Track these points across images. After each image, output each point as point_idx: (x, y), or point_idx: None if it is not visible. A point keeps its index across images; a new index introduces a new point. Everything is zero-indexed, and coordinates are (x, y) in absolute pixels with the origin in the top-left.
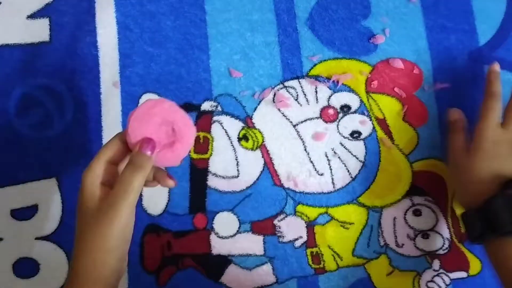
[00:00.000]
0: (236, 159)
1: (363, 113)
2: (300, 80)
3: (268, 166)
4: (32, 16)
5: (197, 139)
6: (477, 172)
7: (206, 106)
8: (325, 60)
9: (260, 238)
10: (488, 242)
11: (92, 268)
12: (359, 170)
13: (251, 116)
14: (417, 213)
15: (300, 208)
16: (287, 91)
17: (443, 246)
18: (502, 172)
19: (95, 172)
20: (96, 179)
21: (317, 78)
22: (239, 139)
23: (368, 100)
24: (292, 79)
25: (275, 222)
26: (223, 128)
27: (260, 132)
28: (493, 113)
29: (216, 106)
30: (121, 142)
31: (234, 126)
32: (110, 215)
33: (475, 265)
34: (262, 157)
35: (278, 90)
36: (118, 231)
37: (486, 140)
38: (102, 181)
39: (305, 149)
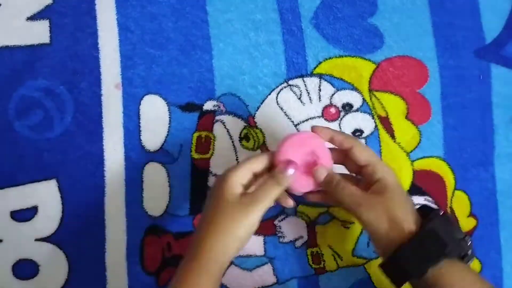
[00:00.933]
0: (237, 159)
1: (365, 112)
2: (304, 78)
3: None
4: (32, 17)
5: (199, 138)
6: (398, 212)
7: (209, 105)
8: (330, 58)
9: (261, 238)
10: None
11: (220, 249)
12: None
13: (254, 115)
14: None
15: (301, 208)
16: (291, 89)
17: None
18: (413, 208)
19: (241, 175)
20: (240, 180)
21: (321, 76)
22: (241, 139)
23: (371, 98)
24: (296, 77)
25: (276, 222)
26: (225, 127)
27: (261, 131)
28: None
29: (219, 106)
30: (268, 160)
31: (236, 125)
32: (249, 210)
33: (474, 266)
34: None
35: (282, 88)
36: (250, 225)
37: (397, 183)
38: (242, 183)
39: None
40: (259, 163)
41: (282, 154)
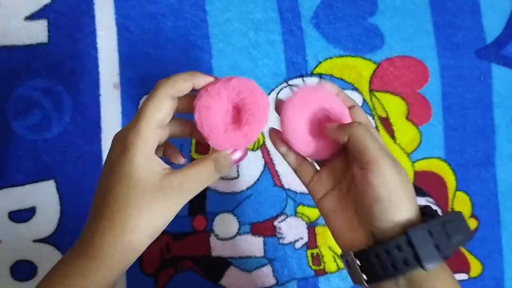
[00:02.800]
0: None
1: (365, 112)
2: (304, 78)
3: (269, 166)
4: (30, 17)
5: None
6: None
7: None
8: (330, 58)
9: (260, 239)
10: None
11: (121, 249)
12: None
13: None
14: None
15: (300, 209)
16: (291, 90)
17: None
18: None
19: (147, 141)
20: (150, 150)
21: (322, 76)
22: None
23: (371, 99)
24: (296, 77)
25: (276, 223)
26: None
27: (261, 132)
28: None
29: None
30: (171, 100)
31: None
32: (174, 201)
33: (476, 267)
34: (263, 157)
35: (282, 88)
36: (170, 218)
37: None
38: (154, 147)
39: None
40: (162, 111)
41: (288, 123)
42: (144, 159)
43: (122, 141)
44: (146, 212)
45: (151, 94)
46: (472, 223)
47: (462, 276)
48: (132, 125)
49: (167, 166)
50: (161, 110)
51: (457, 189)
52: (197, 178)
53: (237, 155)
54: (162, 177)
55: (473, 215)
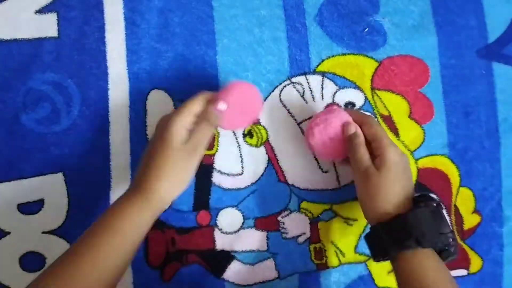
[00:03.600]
0: (240, 156)
1: (367, 111)
2: (307, 76)
3: (273, 162)
4: (40, 11)
5: None
6: (388, 191)
7: None
8: (332, 56)
9: (264, 234)
10: (396, 257)
11: (165, 191)
12: None
13: None
14: None
15: (304, 204)
16: (294, 87)
17: None
18: (408, 191)
19: (185, 120)
20: (184, 124)
21: (324, 74)
22: (244, 135)
23: (373, 97)
24: (299, 75)
25: (279, 218)
26: None
27: (264, 128)
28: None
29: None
30: (205, 99)
31: None
32: (192, 156)
33: (476, 263)
34: (267, 153)
35: (285, 86)
36: (193, 169)
37: (396, 163)
38: (186, 127)
39: None
40: (198, 104)
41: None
42: (176, 130)
43: (166, 119)
44: (176, 166)
45: (192, 98)
46: (475, 219)
47: (462, 273)
48: (175, 111)
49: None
50: (196, 107)
51: (460, 185)
52: (199, 135)
53: (219, 106)
54: (185, 143)
55: (476, 211)
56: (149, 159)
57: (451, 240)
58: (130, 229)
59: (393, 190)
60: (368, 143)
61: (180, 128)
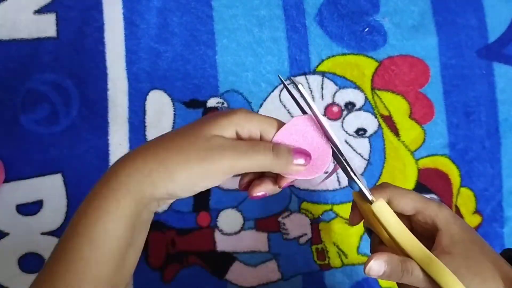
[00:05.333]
0: None
1: (367, 111)
2: (307, 76)
3: None
4: (39, 11)
5: None
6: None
7: (212, 102)
8: (332, 56)
9: (265, 235)
10: None
11: (150, 182)
12: (364, 168)
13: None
14: None
15: (305, 205)
16: (293, 87)
17: None
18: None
19: (249, 123)
20: (242, 126)
21: (324, 74)
22: None
23: (373, 97)
24: (299, 75)
25: (280, 219)
26: None
27: None
28: None
29: (222, 103)
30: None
31: None
32: (213, 154)
33: None
34: None
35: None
36: (209, 175)
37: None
38: (240, 132)
39: None
40: (272, 126)
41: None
42: (227, 122)
43: (230, 110)
44: (183, 151)
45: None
46: (476, 219)
47: None
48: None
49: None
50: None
51: (461, 186)
52: (249, 146)
53: (299, 161)
54: (219, 136)
55: (477, 211)
56: (161, 137)
57: None
58: (109, 238)
59: (485, 264)
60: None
61: (234, 123)
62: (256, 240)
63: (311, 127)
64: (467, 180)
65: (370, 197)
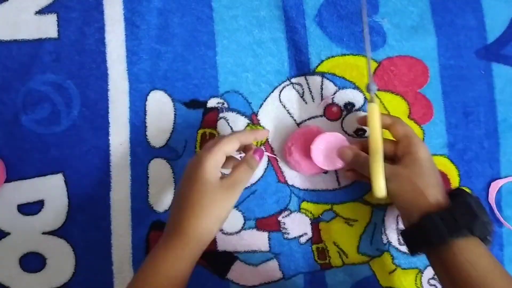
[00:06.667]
0: (240, 157)
1: (367, 111)
2: (307, 76)
3: (272, 163)
4: (40, 12)
5: (204, 135)
6: (428, 182)
7: (213, 102)
8: (332, 57)
9: (265, 234)
10: (443, 248)
11: (202, 229)
12: None
13: (257, 113)
14: None
15: (305, 205)
16: (293, 88)
17: None
18: (442, 184)
19: (217, 159)
20: (217, 163)
21: (324, 74)
22: None
23: None
24: (299, 75)
25: (280, 218)
26: (228, 125)
27: (264, 129)
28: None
29: (223, 103)
30: (238, 142)
31: (239, 122)
32: (229, 193)
33: None
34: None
35: (284, 86)
36: (230, 206)
37: (428, 159)
38: (218, 166)
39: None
40: (232, 145)
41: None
42: (211, 168)
43: (198, 159)
44: (214, 202)
45: (225, 138)
46: None
47: None
48: (206, 149)
49: (224, 174)
50: (229, 148)
51: (460, 185)
52: (240, 175)
53: (257, 156)
54: (221, 179)
55: None
56: (183, 200)
57: (493, 227)
58: (174, 275)
59: (432, 182)
60: (394, 142)
61: (214, 166)
62: (257, 240)
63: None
64: (466, 180)
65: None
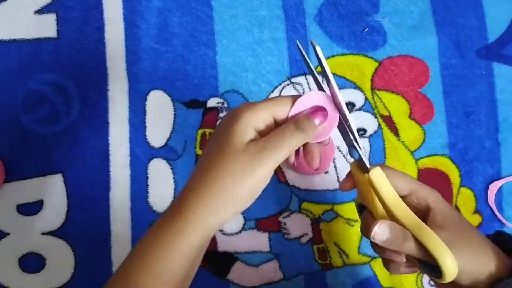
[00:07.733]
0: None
1: (367, 111)
2: (307, 76)
3: None
4: (39, 11)
5: (203, 135)
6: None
7: (212, 102)
8: (332, 56)
9: (266, 235)
10: None
11: (213, 208)
12: None
13: None
14: None
15: (305, 205)
16: (293, 87)
17: None
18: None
19: (258, 116)
20: (255, 123)
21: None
22: None
23: (373, 97)
24: (299, 75)
25: (280, 219)
26: None
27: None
28: None
29: (222, 103)
30: (292, 103)
31: None
32: (255, 161)
33: None
34: None
35: (285, 86)
36: (255, 183)
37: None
38: (257, 128)
39: None
40: (284, 106)
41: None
42: (245, 126)
43: (234, 111)
44: (233, 172)
45: (277, 96)
46: (476, 219)
47: None
48: (248, 104)
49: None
50: (278, 108)
51: (461, 185)
52: (277, 138)
53: (315, 116)
54: (249, 142)
55: (477, 211)
56: (198, 165)
57: None
58: (165, 273)
59: (476, 239)
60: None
61: (249, 124)
62: (257, 240)
63: (322, 99)
64: (467, 180)
65: (368, 165)
